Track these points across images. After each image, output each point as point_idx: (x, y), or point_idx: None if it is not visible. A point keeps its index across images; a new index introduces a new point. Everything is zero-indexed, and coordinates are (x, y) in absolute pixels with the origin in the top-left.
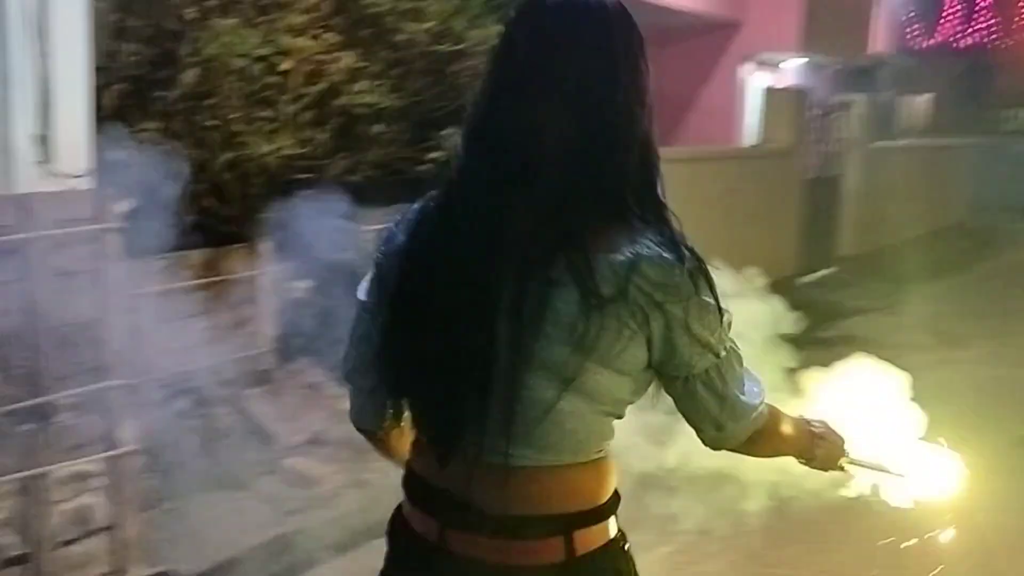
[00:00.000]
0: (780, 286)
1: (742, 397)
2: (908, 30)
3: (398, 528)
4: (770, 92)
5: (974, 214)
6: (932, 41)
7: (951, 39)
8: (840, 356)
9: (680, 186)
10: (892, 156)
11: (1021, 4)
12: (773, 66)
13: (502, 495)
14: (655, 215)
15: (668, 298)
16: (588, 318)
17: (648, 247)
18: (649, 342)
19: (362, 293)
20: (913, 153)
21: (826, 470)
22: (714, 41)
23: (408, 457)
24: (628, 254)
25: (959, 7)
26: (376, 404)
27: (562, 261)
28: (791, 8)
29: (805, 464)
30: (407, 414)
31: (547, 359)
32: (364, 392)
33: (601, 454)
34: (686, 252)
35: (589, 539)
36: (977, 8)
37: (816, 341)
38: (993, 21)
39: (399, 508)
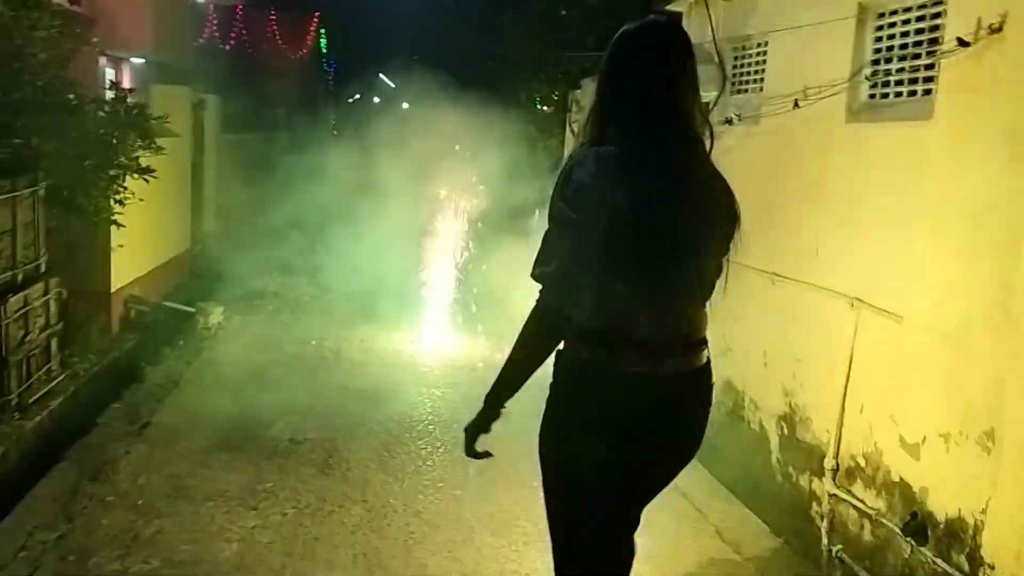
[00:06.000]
0: (185, 257)
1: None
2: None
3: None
4: (159, 88)
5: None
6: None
7: (218, 42)
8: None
9: None
10: (228, 148)
11: (272, 18)
12: (122, 60)
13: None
14: None
15: None
16: None
17: None
18: None
19: (576, 215)
20: (237, 145)
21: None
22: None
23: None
24: None
25: (216, 15)
26: (574, 294)
27: None
28: (140, 9)
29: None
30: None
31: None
32: (570, 286)
33: None
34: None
35: None
36: (235, 17)
37: (240, 297)
38: (244, 31)
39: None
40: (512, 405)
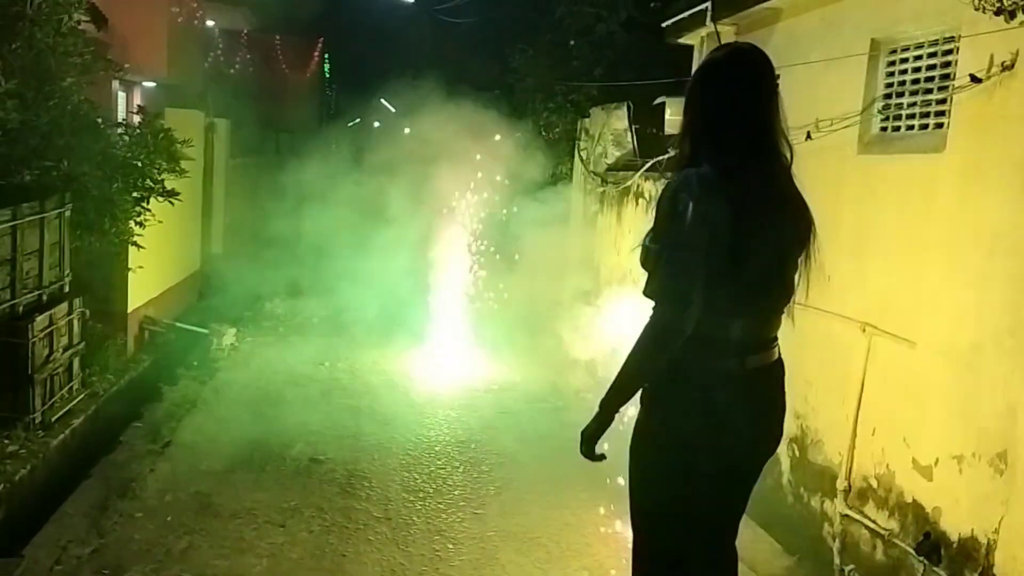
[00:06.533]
0: (194, 279)
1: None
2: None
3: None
4: (173, 112)
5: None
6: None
7: (224, 66)
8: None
9: None
10: (235, 171)
11: (277, 43)
12: (134, 84)
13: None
14: None
15: None
16: None
17: None
18: None
19: (685, 234)
20: (243, 168)
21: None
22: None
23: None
24: None
25: (222, 39)
26: (684, 308)
27: None
28: (156, 34)
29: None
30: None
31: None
32: (695, 306)
33: None
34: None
35: None
36: (241, 41)
37: (250, 318)
38: (249, 55)
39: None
40: (528, 427)
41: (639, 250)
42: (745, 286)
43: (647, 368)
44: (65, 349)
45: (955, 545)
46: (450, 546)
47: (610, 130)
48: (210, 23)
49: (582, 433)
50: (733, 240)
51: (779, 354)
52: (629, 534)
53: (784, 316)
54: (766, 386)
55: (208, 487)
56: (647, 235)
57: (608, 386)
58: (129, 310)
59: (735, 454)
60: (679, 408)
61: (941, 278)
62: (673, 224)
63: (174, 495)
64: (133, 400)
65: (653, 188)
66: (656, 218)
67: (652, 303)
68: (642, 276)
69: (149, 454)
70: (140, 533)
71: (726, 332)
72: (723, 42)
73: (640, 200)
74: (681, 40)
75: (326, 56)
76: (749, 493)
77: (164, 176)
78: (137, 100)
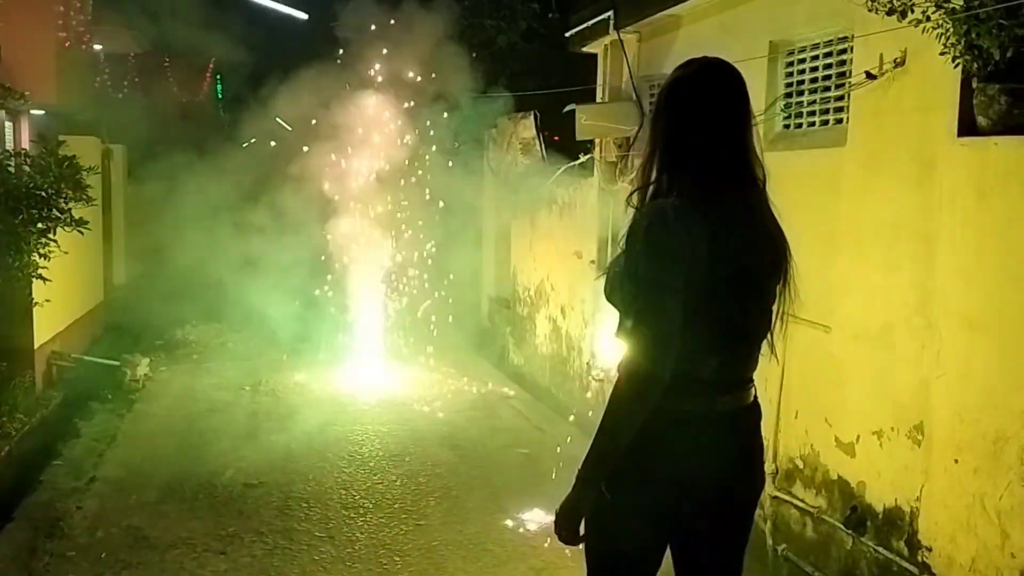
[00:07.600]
0: (99, 310)
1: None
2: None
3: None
4: (68, 139)
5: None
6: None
7: (113, 91)
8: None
9: None
10: (133, 197)
11: (166, 65)
12: (21, 113)
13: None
14: None
15: None
16: None
17: None
18: None
19: (660, 272)
20: (141, 194)
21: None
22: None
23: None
24: None
25: (108, 64)
26: (660, 349)
27: None
28: (43, 60)
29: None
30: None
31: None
32: (674, 348)
33: None
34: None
35: None
36: (129, 65)
37: (161, 347)
38: (137, 78)
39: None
40: (460, 436)
41: (603, 280)
42: (724, 322)
43: (632, 421)
44: None
45: (881, 516)
46: (397, 559)
47: (518, 139)
48: (97, 47)
49: (559, 513)
50: (711, 274)
51: (755, 396)
52: None
53: (762, 353)
54: (741, 431)
55: (140, 520)
56: (612, 264)
57: (585, 455)
58: (36, 346)
59: (711, 502)
60: (639, 459)
61: (850, 265)
62: (647, 260)
63: (106, 531)
64: (48, 438)
65: (565, 194)
66: (627, 252)
67: (624, 343)
68: (578, 290)
69: (74, 492)
70: (75, 572)
71: (697, 371)
72: (627, 50)
73: (553, 206)
74: (585, 49)
75: (218, 77)
76: (740, 539)
77: (71, 205)
78: (25, 128)
